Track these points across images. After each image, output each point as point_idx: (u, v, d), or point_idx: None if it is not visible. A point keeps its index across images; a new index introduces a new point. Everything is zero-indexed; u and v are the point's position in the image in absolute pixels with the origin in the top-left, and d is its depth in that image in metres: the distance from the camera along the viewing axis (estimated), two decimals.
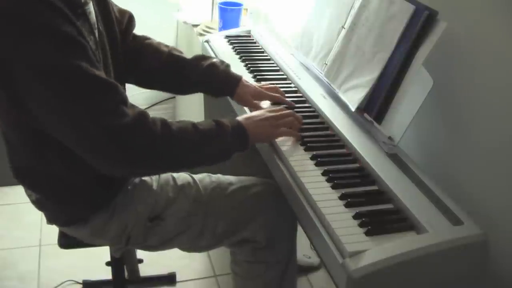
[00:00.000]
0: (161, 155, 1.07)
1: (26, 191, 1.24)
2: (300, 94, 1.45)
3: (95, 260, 1.70)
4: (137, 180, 1.28)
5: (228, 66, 1.41)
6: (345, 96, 1.34)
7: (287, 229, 1.33)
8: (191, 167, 1.29)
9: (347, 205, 1.03)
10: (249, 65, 1.61)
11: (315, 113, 1.36)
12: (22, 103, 1.01)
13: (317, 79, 1.50)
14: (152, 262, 1.90)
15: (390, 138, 1.19)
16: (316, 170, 1.14)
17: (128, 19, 1.37)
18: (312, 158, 1.17)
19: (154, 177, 1.30)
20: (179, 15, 2.35)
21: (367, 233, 0.95)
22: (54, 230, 1.35)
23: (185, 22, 2.26)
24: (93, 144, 1.01)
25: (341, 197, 1.05)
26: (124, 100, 1.04)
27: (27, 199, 1.25)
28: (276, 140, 1.22)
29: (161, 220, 1.26)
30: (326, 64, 1.44)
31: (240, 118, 1.19)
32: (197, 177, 1.32)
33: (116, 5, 1.32)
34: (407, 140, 1.22)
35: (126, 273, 1.69)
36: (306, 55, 1.56)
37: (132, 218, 1.24)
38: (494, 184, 1.12)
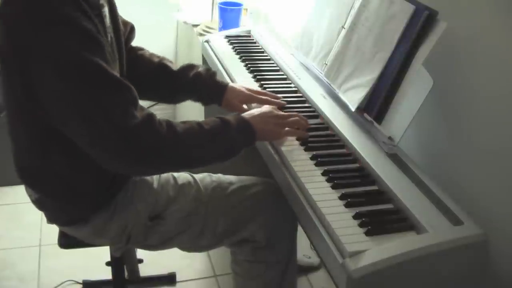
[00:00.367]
0: (167, 155, 1.08)
1: (26, 191, 1.25)
2: (300, 94, 1.45)
3: (95, 260, 1.70)
4: (137, 179, 1.28)
5: (213, 74, 1.41)
6: (345, 96, 1.34)
7: (287, 229, 1.33)
8: (200, 165, 1.28)
9: (347, 205, 1.03)
10: (249, 65, 1.61)
11: (315, 113, 1.36)
12: (35, 93, 1.01)
13: (317, 79, 1.50)
14: (152, 262, 1.90)
15: (390, 138, 1.19)
16: (316, 170, 1.14)
17: (129, 30, 1.39)
18: (312, 158, 1.17)
19: (155, 176, 1.30)
20: (179, 15, 2.35)
21: (367, 233, 0.95)
22: (54, 230, 1.35)
23: (185, 22, 2.26)
24: (102, 139, 1.02)
25: (341, 197, 1.05)
26: (135, 101, 1.06)
27: (27, 199, 1.25)
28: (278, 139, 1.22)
29: (161, 219, 1.26)
30: (326, 64, 1.44)
31: (245, 114, 1.20)
32: (197, 176, 1.33)
33: (120, 16, 1.33)
34: (407, 140, 1.22)
35: (126, 273, 1.69)
36: (306, 55, 1.56)
37: (132, 217, 1.25)
38: (494, 184, 1.11)
